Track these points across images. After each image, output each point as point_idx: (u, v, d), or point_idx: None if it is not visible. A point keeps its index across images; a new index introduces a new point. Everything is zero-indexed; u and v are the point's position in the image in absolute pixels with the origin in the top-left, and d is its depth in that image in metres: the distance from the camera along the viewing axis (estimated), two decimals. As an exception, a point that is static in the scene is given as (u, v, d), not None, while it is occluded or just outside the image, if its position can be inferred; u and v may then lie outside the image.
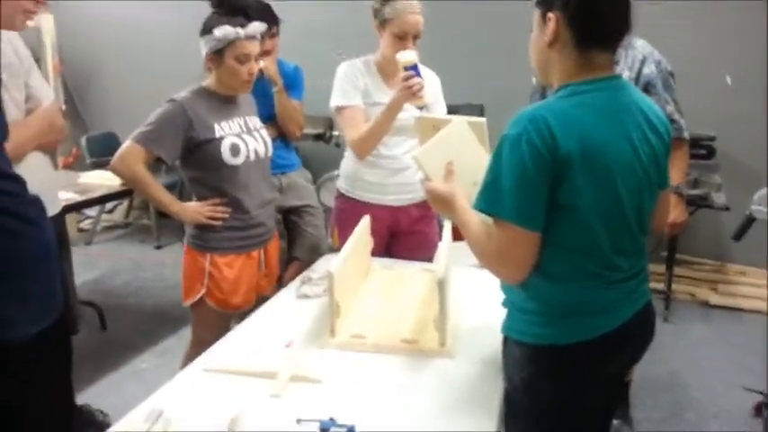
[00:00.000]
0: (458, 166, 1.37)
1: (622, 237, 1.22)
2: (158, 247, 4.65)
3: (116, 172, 2.00)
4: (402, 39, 2.08)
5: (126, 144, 1.94)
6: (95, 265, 4.23)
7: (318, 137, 4.17)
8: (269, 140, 2.14)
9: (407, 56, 2.01)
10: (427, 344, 1.54)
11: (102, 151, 4.40)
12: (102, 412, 2.47)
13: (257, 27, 1.96)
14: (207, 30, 1.92)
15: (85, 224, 5.00)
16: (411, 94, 1.98)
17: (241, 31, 1.91)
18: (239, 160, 1.98)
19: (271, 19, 2.52)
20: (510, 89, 3.88)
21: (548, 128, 1.12)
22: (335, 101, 2.19)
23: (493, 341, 1.54)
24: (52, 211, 1.74)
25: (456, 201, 1.31)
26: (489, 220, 1.20)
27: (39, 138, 1.90)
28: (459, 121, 1.50)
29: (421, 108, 2.09)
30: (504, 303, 1.32)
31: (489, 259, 1.22)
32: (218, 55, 1.94)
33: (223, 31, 1.89)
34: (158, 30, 4.78)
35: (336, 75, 2.21)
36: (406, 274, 2.02)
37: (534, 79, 2.54)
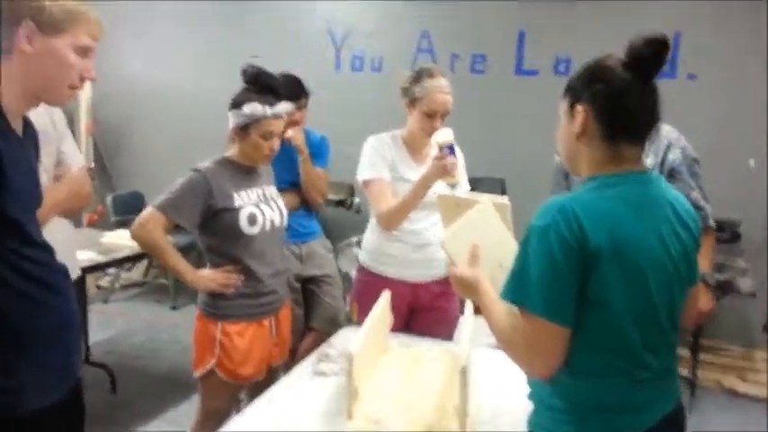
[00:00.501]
0: (483, 248, 1.36)
1: (653, 333, 1.19)
2: (174, 308, 4.64)
3: (135, 237, 2.02)
4: (431, 117, 2.12)
5: (147, 210, 1.98)
6: (111, 324, 4.22)
7: (340, 203, 4.21)
8: (285, 211, 2.17)
9: (444, 135, 2.04)
10: (447, 429, 1.48)
11: (127, 210, 4.47)
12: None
13: (284, 107, 2.03)
14: (236, 105, 1.99)
15: (104, 281, 5.03)
16: (444, 172, 2.00)
17: (269, 110, 1.97)
18: (255, 230, 2.01)
19: (301, 92, 2.60)
20: (531, 163, 3.96)
21: (576, 219, 1.11)
22: (363, 174, 2.21)
23: (516, 426, 1.49)
24: (72, 275, 1.75)
25: (481, 286, 1.30)
26: (515, 308, 1.17)
27: (65, 203, 1.93)
28: (485, 202, 1.50)
29: (453, 186, 2.10)
30: (530, 397, 1.28)
31: (515, 352, 1.18)
32: (244, 130, 1.99)
33: (252, 108, 1.96)
34: (186, 94, 4.96)
35: (364, 148, 2.25)
36: (425, 354, 1.97)
37: (557, 158, 2.56)
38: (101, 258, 3.06)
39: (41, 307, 1.34)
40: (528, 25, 4.06)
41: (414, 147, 2.24)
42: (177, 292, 4.67)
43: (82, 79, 1.33)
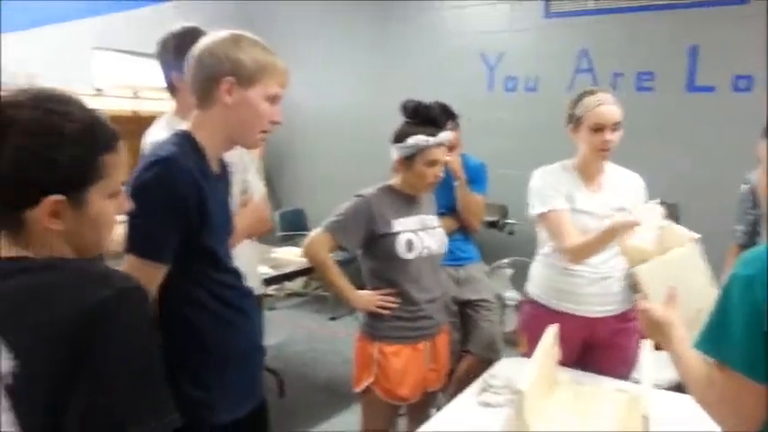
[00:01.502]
0: (682, 290, 1.28)
1: None
2: (333, 319, 4.88)
3: (305, 255, 2.19)
4: (599, 131, 2.05)
5: (317, 231, 2.13)
6: (277, 331, 4.54)
7: (492, 224, 4.18)
8: (444, 238, 2.21)
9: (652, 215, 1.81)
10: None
11: (292, 226, 4.82)
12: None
13: (446, 135, 2.09)
14: (399, 138, 2.08)
15: (270, 290, 5.43)
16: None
17: (432, 140, 2.04)
18: (412, 255, 2.07)
19: (448, 116, 2.63)
20: (707, 188, 3.65)
21: None
22: (537, 209, 2.14)
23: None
24: (256, 290, 1.92)
25: (674, 331, 1.22)
26: (709, 359, 1.09)
27: (249, 230, 2.14)
28: (691, 243, 1.40)
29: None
30: None
31: (711, 407, 1.10)
32: (408, 160, 2.07)
33: (416, 140, 2.03)
34: (347, 119, 5.22)
35: (532, 182, 2.20)
36: (599, 393, 1.89)
37: (744, 186, 2.34)
38: (273, 272, 3.31)
39: (234, 329, 1.49)
40: (701, 39, 3.75)
41: (587, 174, 2.16)
42: (336, 303, 4.91)
43: (272, 123, 1.47)
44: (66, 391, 0.80)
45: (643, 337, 1.64)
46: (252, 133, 1.46)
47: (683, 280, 1.31)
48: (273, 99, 1.45)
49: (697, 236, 1.48)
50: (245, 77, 1.40)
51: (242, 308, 1.52)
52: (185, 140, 1.41)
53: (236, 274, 1.54)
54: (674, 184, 3.69)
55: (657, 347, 1.44)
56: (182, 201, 1.33)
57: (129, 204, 0.99)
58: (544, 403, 1.76)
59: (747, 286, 1.04)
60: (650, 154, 3.74)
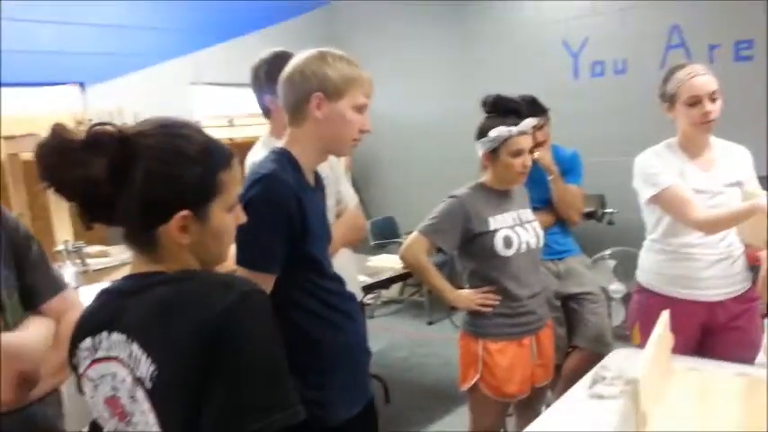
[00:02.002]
0: None
1: None
2: (430, 323, 4.90)
3: (403, 260, 2.21)
4: (695, 105, 1.96)
5: (413, 235, 2.15)
6: (376, 340, 4.59)
7: (590, 215, 4.04)
8: (541, 232, 2.17)
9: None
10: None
11: (383, 234, 4.89)
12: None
13: (528, 123, 2.06)
14: (482, 133, 2.07)
15: (367, 299, 5.52)
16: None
17: (514, 129, 2.02)
18: (511, 252, 2.05)
19: (538, 111, 2.58)
20: None
21: None
22: (649, 191, 2.05)
23: None
24: (358, 297, 1.97)
25: None
26: None
27: (345, 238, 2.20)
28: None
29: None
30: None
31: None
32: (493, 153, 2.06)
33: (497, 131, 2.02)
34: (431, 125, 5.25)
35: (638, 166, 2.11)
36: (717, 378, 1.79)
37: None
38: (370, 280, 3.38)
39: (340, 331, 1.54)
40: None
41: (693, 151, 2.05)
42: (433, 308, 4.92)
43: (361, 132, 1.53)
44: (202, 391, 0.87)
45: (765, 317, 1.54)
46: (344, 143, 1.53)
47: None
48: (361, 109, 1.51)
49: None
50: (333, 91, 1.46)
51: (347, 311, 1.58)
52: (283, 157, 1.49)
53: (338, 280, 1.60)
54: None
55: None
56: (285, 213, 1.41)
57: (244, 217, 1.06)
58: (661, 391, 1.69)
59: None
60: (756, 125, 3.50)
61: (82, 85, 4.36)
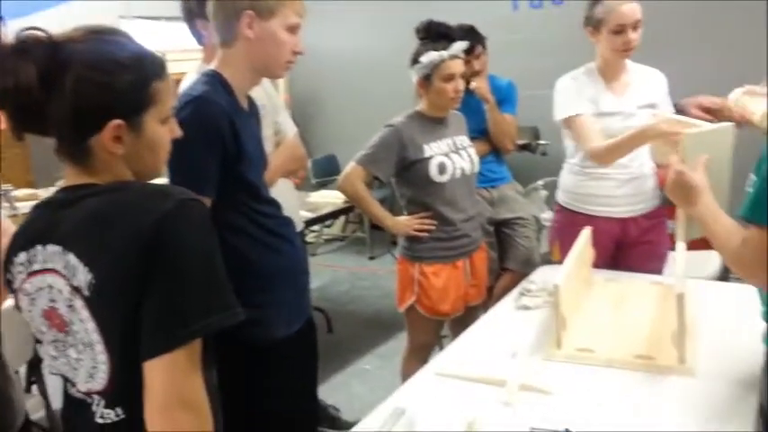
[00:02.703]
0: (711, 165, 1.33)
1: None
2: (372, 258, 5.01)
3: (341, 190, 2.26)
4: (621, 33, 2.03)
5: (350, 165, 2.18)
6: (319, 275, 4.68)
7: (524, 147, 4.16)
8: (476, 158, 2.23)
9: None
10: (664, 360, 1.47)
11: (325, 172, 4.90)
12: (334, 407, 2.74)
13: (459, 46, 2.09)
14: (415, 60, 2.10)
15: (310, 237, 5.56)
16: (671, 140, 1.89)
17: (445, 53, 2.05)
18: (445, 177, 2.12)
19: (475, 39, 2.61)
20: (726, 87, 3.53)
21: None
22: (562, 113, 2.15)
23: (738, 359, 1.44)
24: (298, 228, 2.01)
25: (704, 196, 1.27)
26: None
27: (286, 166, 2.21)
28: (730, 127, 1.45)
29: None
30: (766, 316, 1.23)
31: (744, 266, 1.14)
32: (426, 80, 2.09)
33: (429, 57, 2.05)
34: (371, 60, 5.18)
35: (557, 88, 2.21)
36: (633, 286, 1.95)
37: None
38: (311, 215, 3.41)
39: (277, 253, 1.58)
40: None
41: (610, 76, 2.15)
42: (374, 243, 5.02)
43: (294, 54, 1.51)
44: (140, 296, 0.89)
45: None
46: (277, 65, 1.51)
47: (716, 158, 1.35)
48: (293, 29, 1.49)
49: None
50: (264, 10, 1.44)
51: (283, 235, 1.61)
52: (214, 79, 1.47)
53: (275, 204, 1.61)
54: (696, 84, 3.59)
55: (690, 247, 1.48)
56: (218, 134, 1.40)
57: (179, 131, 1.06)
58: (580, 300, 1.83)
59: None
60: (679, 55, 3.64)
61: (1, 19, 4.08)
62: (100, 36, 0.95)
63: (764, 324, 1.24)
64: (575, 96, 2.13)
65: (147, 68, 0.97)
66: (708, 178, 1.31)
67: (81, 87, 0.91)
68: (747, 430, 1.24)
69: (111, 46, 0.94)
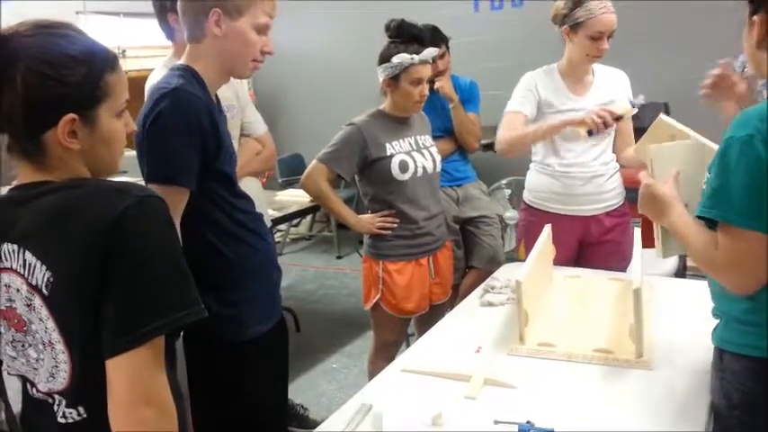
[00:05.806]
0: (682, 179, 1.35)
1: None
2: (339, 257, 5.00)
3: (304, 188, 2.25)
4: (597, 39, 2.07)
5: (312, 163, 2.19)
6: (286, 274, 4.63)
7: (488, 146, 4.21)
8: (438, 157, 2.26)
9: (623, 108, 2.07)
10: (623, 354, 1.52)
11: (291, 171, 4.87)
12: (302, 406, 2.73)
13: (430, 52, 2.10)
14: (385, 59, 2.10)
15: (277, 237, 5.53)
16: (594, 126, 2.01)
17: (416, 57, 2.06)
18: (407, 176, 2.13)
19: (439, 39, 2.64)
20: (695, 86, 3.64)
21: None
22: (507, 108, 2.23)
23: (693, 354, 1.49)
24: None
25: (675, 207, 1.29)
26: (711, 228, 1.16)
27: (253, 165, 2.20)
28: (702, 142, 1.46)
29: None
30: (717, 313, 1.27)
31: (718, 271, 1.17)
32: (394, 80, 2.10)
33: (400, 58, 2.06)
34: (336, 59, 5.18)
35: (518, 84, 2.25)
36: (594, 283, 2.00)
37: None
38: (278, 214, 3.40)
39: (250, 248, 1.56)
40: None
41: (574, 76, 2.20)
42: (341, 242, 5.02)
43: (263, 53, 1.50)
44: (100, 293, 0.88)
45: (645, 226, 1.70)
46: (244, 64, 1.49)
47: (686, 172, 1.36)
48: (263, 29, 1.47)
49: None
50: (232, 8, 1.42)
51: (255, 230, 1.59)
52: (187, 72, 1.45)
53: (247, 198, 1.60)
54: (663, 83, 3.69)
55: (645, 246, 1.51)
56: (198, 126, 1.38)
57: (134, 125, 1.05)
58: (542, 296, 1.87)
59: (746, 144, 1.08)
60: (642, 54, 3.74)
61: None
62: (48, 30, 0.93)
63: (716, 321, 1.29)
64: (522, 94, 2.19)
65: (99, 61, 0.95)
66: (681, 192, 1.33)
67: (32, 81, 0.89)
68: (700, 425, 1.28)
69: (61, 39, 0.93)
